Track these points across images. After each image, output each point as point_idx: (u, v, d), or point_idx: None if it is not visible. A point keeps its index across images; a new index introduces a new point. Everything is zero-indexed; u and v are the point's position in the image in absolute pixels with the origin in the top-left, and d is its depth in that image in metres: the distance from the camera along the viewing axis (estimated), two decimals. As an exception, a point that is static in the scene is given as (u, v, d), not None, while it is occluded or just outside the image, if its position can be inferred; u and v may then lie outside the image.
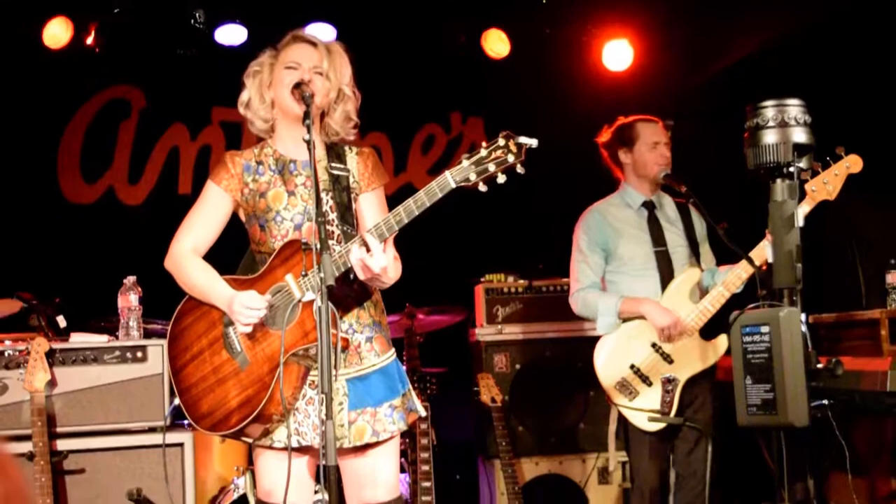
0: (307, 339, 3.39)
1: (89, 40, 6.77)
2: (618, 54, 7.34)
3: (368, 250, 3.35)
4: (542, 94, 7.42)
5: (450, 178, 3.29)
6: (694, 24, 6.92)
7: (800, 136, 3.02)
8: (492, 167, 3.26)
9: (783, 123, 3.01)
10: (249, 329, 3.49)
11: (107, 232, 6.97)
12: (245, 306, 3.45)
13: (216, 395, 3.57)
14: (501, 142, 3.28)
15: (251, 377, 3.51)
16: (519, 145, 3.28)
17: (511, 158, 3.26)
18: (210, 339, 3.63)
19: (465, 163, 3.28)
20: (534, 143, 3.29)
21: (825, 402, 3.23)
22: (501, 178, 3.28)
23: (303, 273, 3.40)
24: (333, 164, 3.66)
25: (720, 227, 4.51)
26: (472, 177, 3.27)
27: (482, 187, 3.28)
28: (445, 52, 7.32)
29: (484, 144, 3.29)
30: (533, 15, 7.22)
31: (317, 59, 3.64)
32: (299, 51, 3.67)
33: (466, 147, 7.60)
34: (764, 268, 4.18)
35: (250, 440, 3.62)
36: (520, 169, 3.29)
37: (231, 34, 6.79)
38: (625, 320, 4.85)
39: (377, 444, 3.61)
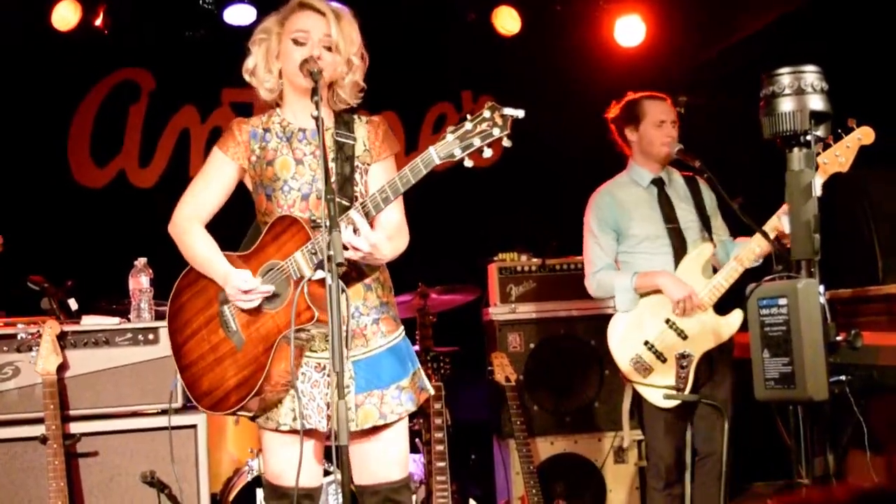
0: (299, 319, 3.33)
1: (98, 22, 6.74)
2: (630, 29, 7.27)
3: (356, 230, 3.29)
4: (554, 71, 7.38)
5: (434, 155, 3.20)
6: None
7: (817, 103, 2.96)
8: (477, 141, 3.16)
9: (799, 91, 2.95)
10: (252, 305, 3.45)
11: (118, 215, 6.96)
12: (239, 289, 3.41)
13: (215, 374, 3.54)
14: (487, 114, 3.17)
15: (247, 357, 3.47)
16: (504, 117, 3.16)
17: (497, 132, 3.15)
18: (207, 316, 3.59)
19: (450, 137, 3.18)
20: (520, 113, 3.16)
21: (843, 377, 3.19)
22: (487, 153, 3.18)
23: (310, 250, 3.35)
24: (340, 132, 3.59)
25: (735, 201, 4.46)
26: (457, 152, 3.18)
27: (468, 162, 3.19)
28: (456, 29, 7.28)
29: (469, 117, 3.19)
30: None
31: (325, 29, 3.54)
32: (308, 20, 3.57)
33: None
34: (786, 242, 4.12)
35: (249, 414, 3.58)
36: (506, 142, 3.17)
37: (240, 14, 6.74)
38: (642, 296, 4.82)
39: (385, 426, 3.57)
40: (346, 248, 3.25)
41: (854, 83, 5.43)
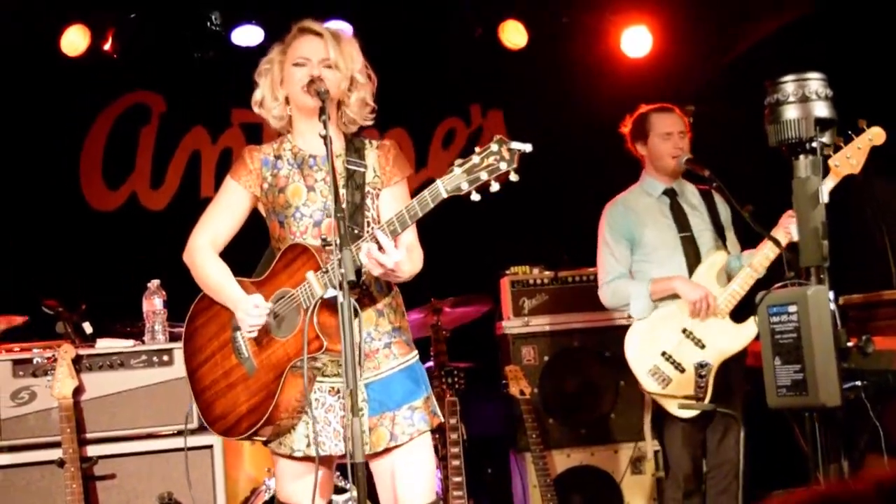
0: (309, 348, 3.33)
1: (107, 46, 6.78)
2: (637, 40, 7.27)
3: (380, 247, 3.31)
4: (562, 84, 7.39)
5: (441, 189, 3.20)
6: (712, 7, 6.87)
7: (821, 110, 2.96)
8: (484, 175, 3.15)
9: (804, 98, 2.96)
10: (255, 334, 3.47)
11: (131, 237, 6.99)
12: (247, 313, 3.43)
13: (227, 400, 3.57)
14: (494, 147, 3.16)
15: (258, 384, 3.49)
16: (512, 151, 3.14)
17: (504, 166, 3.14)
18: (220, 342, 3.62)
19: (457, 171, 3.18)
20: (527, 147, 3.15)
21: (858, 383, 3.18)
22: (495, 187, 3.17)
23: (322, 270, 3.36)
24: (350, 159, 3.61)
25: (745, 209, 4.47)
26: (464, 186, 3.17)
27: (475, 196, 3.18)
28: (463, 44, 7.29)
29: (477, 150, 3.18)
30: (550, 4, 7.18)
31: (324, 52, 3.57)
32: (306, 44, 3.60)
33: (488, 140, 7.56)
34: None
35: (263, 439, 3.59)
36: (513, 177, 3.15)
37: (248, 35, 6.78)
38: (657, 305, 4.82)
39: (398, 446, 3.55)
40: (360, 269, 3.28)
41: (862, 87, 5.44)
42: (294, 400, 3.47)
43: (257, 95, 3.70)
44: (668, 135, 4.96)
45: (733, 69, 7.16)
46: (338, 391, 3.54)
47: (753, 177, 5.64)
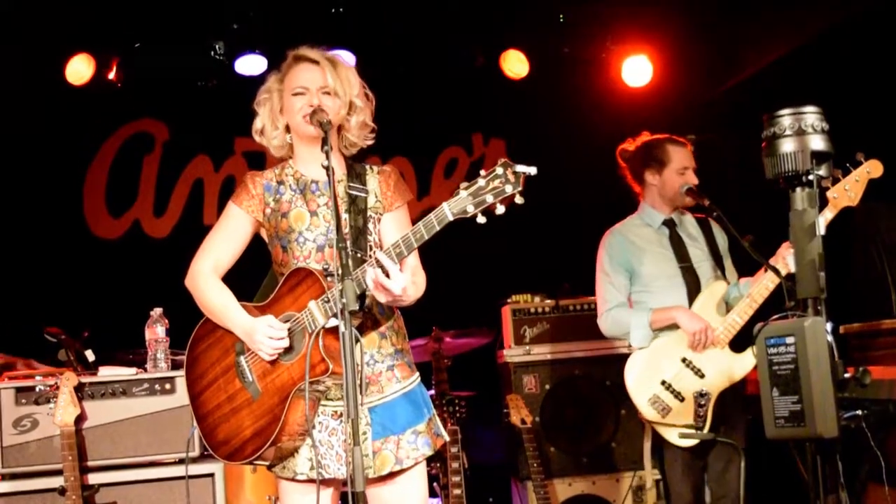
0: (314, 371, 3.36)
1: (111, 75, 6.84)
2: (637, 70, 7.34)
3: (386, 273, 3.33)
4: (563, 113, 7.44)
5: (447, 211, 3.22)
6: (711, 36, 6.92)
7: (817, 143, 2.98)
8: (489, 198, 3.17)
9: (800, 131, 2.98)
10: (276, 357, 3.49)
11: (133, 265, 7.02)
12: (265, 335, 3.44)
13: (231, 425, 3.57)
14: (499, 170, 3.18)
15: (263, 408, 3.50)
16: (517, 174, 3.16)
17: (509, 189, 3.16)
18: (224, 366, 3.62)
19: (463, 193, 3.20)
20: (532, 171, 3.17)
21: (859, 412, 3.19)
22: (500, 209, 3.19)
23: (324, 298, 3.39)
24: (352, 185, 3.63)
25: (745, 239, 4.49)
26: (470, 208, 3.19)
27: (480, 219, 3.20)
28: (465, 74, 7.34)
29: (482, 173, 3.21)
30: (551, 34, 7.24)
31: (322, 79, 3.60)
32: (304, 73, 3.63)
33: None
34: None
35: (266, 463, 3.60)
36: (518, 199, 3.18)
37: (251, 64, 6.84)
38: (657, 334, 4.83)
39: (402, 471, 3.58)
40: (364, 293, 3.31)
41: (861, 117, 5.47)
42: (298, 424, 3.48)
43: (257, 124, 3.73)
44: (684, 169, 4.94)
45: (732, 98, 7.20)
46: (341, 415, 3.55)
47: (752, 205, 5.67)
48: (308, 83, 3.60)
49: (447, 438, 3.83)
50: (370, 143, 3.75)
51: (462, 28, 7.09)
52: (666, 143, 5.02)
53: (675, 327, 4.80)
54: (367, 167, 3.74)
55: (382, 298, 3.39)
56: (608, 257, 5.04)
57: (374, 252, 3.45)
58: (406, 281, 3.35)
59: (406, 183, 3.80)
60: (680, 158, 4.97)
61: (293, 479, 3.58)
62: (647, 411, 4.76)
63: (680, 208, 5.06)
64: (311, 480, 3.53)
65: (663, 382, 4.75)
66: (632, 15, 7.07)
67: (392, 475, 3.58)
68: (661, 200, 5.03)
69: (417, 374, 3.72)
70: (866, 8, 6.05)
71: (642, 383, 4.79)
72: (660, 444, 4.85)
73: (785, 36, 6.59)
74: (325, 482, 3.55)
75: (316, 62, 3.64)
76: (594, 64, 7.41)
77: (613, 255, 5.02)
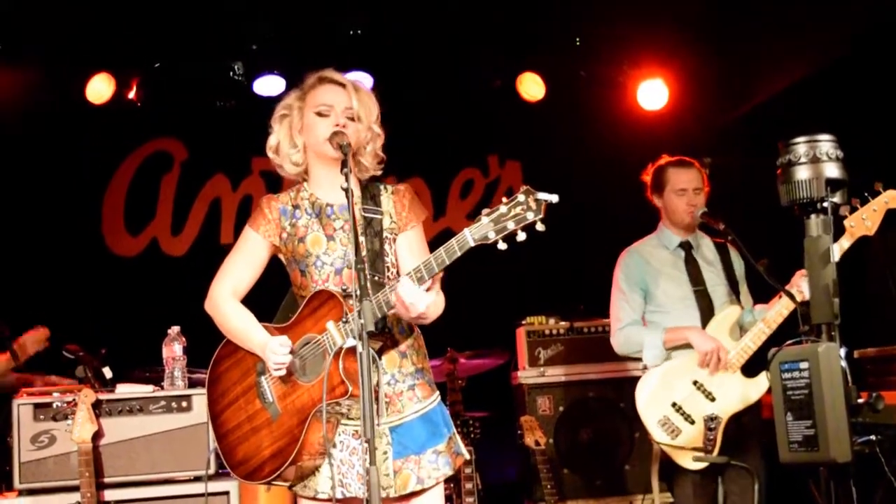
0: (333, 394, 3.37)
1: (131, 95, 6.90)
2: (653, 93, 7.37)
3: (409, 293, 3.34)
4: (579, 136, 7.47)
5: (469, 237, 3.24)
6: (727, 61, 6.94)
7: (832, 171, 3.00)
8: (511, 225, 3.19)
9: (815, 159, 3.00)
10: (283, 373, 3.51)
11: (151, 283, 7.06)
12: (273, 351, 3.46)
13: (250, 444, 3.59)
14: (521, 197, 3.20)
15: (282, 428, 3.52)
16: (538, 201, 3.18)
17: (531, 216, 3.18)
18: (244, 386, 3.65)
19: (485, 220, 3.22)
20: (554, 198, 3.19)
21: (872, 437, 3.20)
22: (521, 236, 3.21)
23: (343, 319, 3.41)
24: (367, 207, 3.64)
25: (760, 263, 4.50)
26: (491, 235, 3.21)
27: (501, 245, 3.22)
28: (482, 96, 7.38)
29: (504, 200, 3.23)
30: (567, 57, 7.28)
31: (347, 101, 3.62)
32: (329, 93, 3.65)
33: (504, 191, 7.63)
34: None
35: (286, 484, 3.62)
36: (539, 226, 3.20)
37: (269, 85, 6.88)
38: (670, 354, 4.84)
39: (422, 491, 3.59)
40: (385, 317, 3.34)
41: (876, 142, 5.48)
42: (317, 444, 3.50)
43: (272, 141, 3.73)
44: (682, 191, 4.99)
45: (749, 121, 7.22)
46: (360, 434, 3.57)
47: (769, 228, 5.68)
48: (333, 101, 3.62)
49: (467, 456, 3.84)
50: (378, 172, 3.76)
51: (479, 50, 7.13)
52: (668, 165, 5.08)
53: (688, 348, 4.81)
54: (382, 187, 3.75)
55: (406, 316, 3.42)
56: (624, 275, 5.07)
57: (391, 274, 3.47)
58: (431, 298, 3.38)
59: (421, 202, 3.82)
60: (678, 180, 5.01)
61: (314, 499, 3.60)
62: (657, 433, 4.76)
63: (696, 230, 5.08)
64: (331, 499, 3.54)
65: (674, 404, 4.76)
66: (648, 39, 7.10)
67: (412, 495, 3.59)
68: (671, 222, 5.07)
69: (437, 393, 3.72)
70: (881, 35, 6.07)
71: (653, 404, 4.80)
72: (670, 466, 4.85)
73: (800, 62, 6.61)
74: (345, 501, 3.56)
75: (342, 85, 3.67)
76: (610, 87, 7.44)
77: (630, 274, 5.05)
